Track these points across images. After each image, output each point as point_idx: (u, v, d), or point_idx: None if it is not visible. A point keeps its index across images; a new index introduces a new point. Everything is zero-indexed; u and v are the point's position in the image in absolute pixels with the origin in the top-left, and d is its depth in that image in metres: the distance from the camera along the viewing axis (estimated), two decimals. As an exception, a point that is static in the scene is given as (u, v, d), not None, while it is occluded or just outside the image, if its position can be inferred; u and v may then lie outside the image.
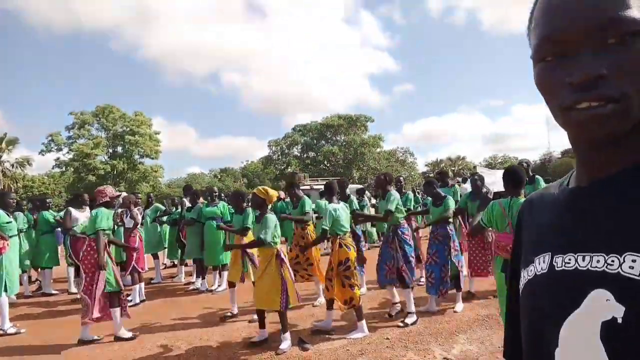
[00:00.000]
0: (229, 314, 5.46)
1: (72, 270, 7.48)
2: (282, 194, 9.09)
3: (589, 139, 0.56)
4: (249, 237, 5.33)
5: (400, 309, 5.12)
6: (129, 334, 4.79)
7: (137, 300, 6.41)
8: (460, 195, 7.54)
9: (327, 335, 4.55)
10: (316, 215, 6.64)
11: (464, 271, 5.58)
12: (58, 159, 38.61)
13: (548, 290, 0.59)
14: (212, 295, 6.91)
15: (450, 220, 5.13)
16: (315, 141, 41.79)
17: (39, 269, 7.63)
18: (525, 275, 0.65)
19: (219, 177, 54.07)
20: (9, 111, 66.08)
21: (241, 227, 5.42)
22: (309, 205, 5.84)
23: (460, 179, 12.62)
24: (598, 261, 0.54)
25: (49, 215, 7.64)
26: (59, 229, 7.57)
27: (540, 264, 0.62)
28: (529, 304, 0.63)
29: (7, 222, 5.27)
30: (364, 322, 4.52)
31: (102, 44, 67.71)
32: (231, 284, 5.52)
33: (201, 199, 7.47)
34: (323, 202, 5.70)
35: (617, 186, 0.56)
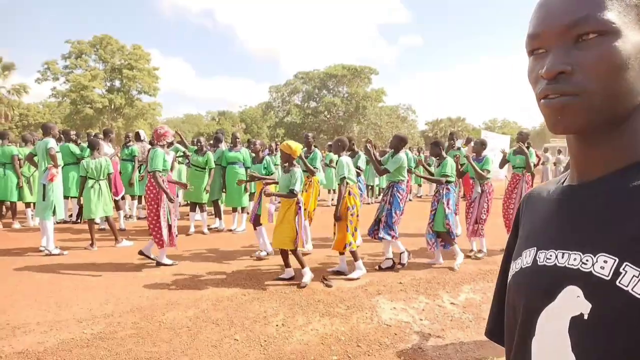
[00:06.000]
0: (263, 253, 5.93)
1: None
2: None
3: (554, 128, 0.60)
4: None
5: (409, 256, 5.58)
6: (169, 261, 5.33)
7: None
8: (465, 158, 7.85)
9: (345, 276, 5.09)
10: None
11: (458, 231, 6.07)
12: (54, 88, 38.00)
13: (530, 283, 0.64)
14: (233, 234, 7.44)
15: (451, 180, 5.50)
16: (317, 90, 41.38)
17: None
18: (514, 267, 0.69)
19: (217, 120, 53.69)
20: (2, 34, 63.80)
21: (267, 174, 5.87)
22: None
23: (462, 141, 12.67)
24: (575, 259, 0.58)
25: (73, 147, 7.90)
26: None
27: (526, 258, 0.66)
28: (514, 295, 0.67)
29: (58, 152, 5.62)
30: (360, 261, 5.05)
31: None
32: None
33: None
34: (333, 155, 6.09)
35: (602, 189, 0.60)
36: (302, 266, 4.76)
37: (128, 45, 38.52)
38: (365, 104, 37.12)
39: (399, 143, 5.37)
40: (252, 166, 6.30)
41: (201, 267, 5.39)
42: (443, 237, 5.49)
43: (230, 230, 7.59)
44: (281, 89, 42.85)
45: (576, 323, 0.55)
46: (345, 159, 5.05)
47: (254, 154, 6.49)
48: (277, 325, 3.70)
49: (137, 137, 8.16)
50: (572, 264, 0.58)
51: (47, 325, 3.60)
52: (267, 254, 5.92)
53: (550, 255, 0.61)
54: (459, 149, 8.35)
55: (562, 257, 0.59)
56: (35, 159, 5.93)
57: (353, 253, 4.98)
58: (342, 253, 5.06)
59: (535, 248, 0.65)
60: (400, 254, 5.46)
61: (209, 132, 43.68)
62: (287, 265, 4.90)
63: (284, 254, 4.85)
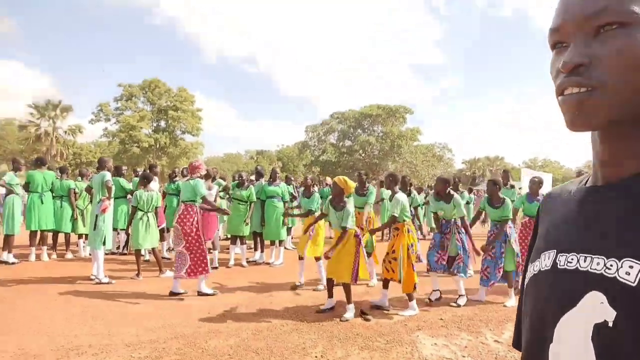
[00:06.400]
0: (297, 283, 6.05)
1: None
2: (329, 180, 9.64)
3: (572, 125, 0.57)
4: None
5: (439, 296, 5.50)
6: (210, 291, 5.45)
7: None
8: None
9: (384, 311, 5.03)
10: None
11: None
12: (106, 128, 40.48)
13: (549, 287, 0.60)
14: (271, 267, 7.54)
15: (509, 219, 5.42)
16: (352, 129, 41.94)
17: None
18: (532, 270, 0.66)
19: (255, 158, 55.20)
20: (62, 79, 69.76)
21: (308, 210, 6.00)
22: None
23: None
24: (598, 264, 0.54)
25: (124, 182, 8.39)
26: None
27: (545, 261, 0.63)
28: (531, 299, 0.64)
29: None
30: (414, 301, 4.97)
31: (145, 18, 70.30)
32: (300, 257, 6.08)
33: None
34: (385, 191, 6.14)
35: (629, 190, 0.56)
36: (349, 301, 4.76)
37: (174, 88, 40.83)
38: (400, 143, 37.19)
39: (444, 185, 5.32)
40: (302, 199, 6.44)
41: (241, 297, 5.49)
42: (507, 277, 5.40)
43: (268, 264, 7.70)
44: (317, 129, 43.70)
45: (600, 331, 0.52)
46: (401, 196, 5.02)
47: (303, 188, 6.64)
48: (316, 357, 3.70)
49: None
50: (595, 269, 0.54)
51: (98, 348, 3.76)
52: (300, 285, 6.00)
53: (572, 259, 0.58)
54: (512, 187, 8.12)
55: (585, 261, 0.56)
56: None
57: (410, 294, 4.95)
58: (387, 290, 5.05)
59: (555, 251, 0.62)
60: (460, 296, 5.38)
61: (247, 170, 44.85)
62: (330, 295, 4.93)
63: (330, 283, 4.88)
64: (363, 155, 40.30)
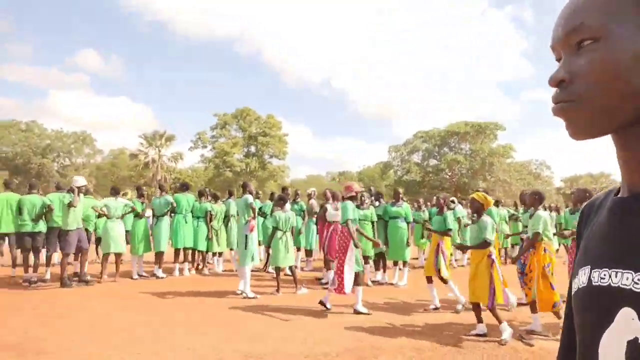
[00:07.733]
0: (432, 306, 6.00)
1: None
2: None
3: (568, 133, 0.59)
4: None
5: None
6: (365, 310, 5.63)
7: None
8: None
9: (541, 337, 4.80)
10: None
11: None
12: (203, 155, 43.87)
13: (587, 305, 0.60)
14: (395, 288, 7.57)
15: None
16: (437, 148, 41.01)
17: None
18: (573, 286, 0.65)
19: (337, 179, 56.01)
20: (162, 111, 77.62)
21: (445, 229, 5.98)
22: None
23: None
24: (627, 278, 0.53)
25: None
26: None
27: (582, 277, 0.62)
28: (576, 317, 0.64)
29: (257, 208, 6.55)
30: None
31: (229, 49, 76.30)
32: (429, 279, 6.02)
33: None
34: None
35: None
36: (499, 322, 4.62)
37: (263, 115, 43.20)
38: (492, 161, 35.55)
39: (583, 196, 5.22)
40: (434, 217, 6.47)
41: (383, 316, 5.57)
42: None
43: (392, 284, 7.73)
44: (400, 149, 43.35)
45: (633, 347, 0.51)
46: (544, 213, 4.94)
47: (437, 207, 6.63)
48: (491, 380, 3.64)
49: (310, 196, 9.04)
50: (625, 284, 0.53)
51: (279, 356, 4.06)
52: (436, 307, 5.91)
53: (604, 275, 0.57)
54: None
55: (616, 277, 0.55)
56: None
57: (558, 314, 4.74)
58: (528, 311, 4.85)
59: (590, 267, 0.60)
60: None
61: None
62: (479, 320, 4.83)
63: (476, 308, 4.80)
64: (450, 174, 39.10)
